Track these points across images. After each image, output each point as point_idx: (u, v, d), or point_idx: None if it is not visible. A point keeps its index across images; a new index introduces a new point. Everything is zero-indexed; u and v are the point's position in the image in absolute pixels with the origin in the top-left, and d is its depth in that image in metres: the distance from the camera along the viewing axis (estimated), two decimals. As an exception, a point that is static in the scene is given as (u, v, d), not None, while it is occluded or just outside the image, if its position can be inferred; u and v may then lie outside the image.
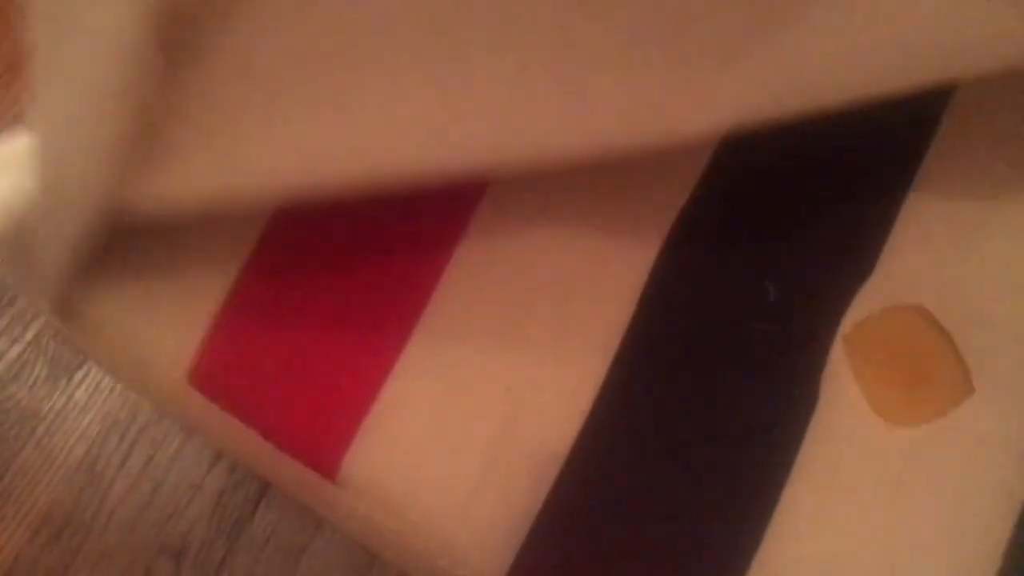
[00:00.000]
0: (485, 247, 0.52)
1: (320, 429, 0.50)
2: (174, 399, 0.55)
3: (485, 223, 0.52)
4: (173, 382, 0.52)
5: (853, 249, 0.50)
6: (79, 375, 0.85)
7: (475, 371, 0.49)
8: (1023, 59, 0.45)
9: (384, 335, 0.50)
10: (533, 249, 0.51)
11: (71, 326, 0.57)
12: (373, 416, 0.49)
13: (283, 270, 0.52)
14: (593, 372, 0.49)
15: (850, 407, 0.47)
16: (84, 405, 0.84)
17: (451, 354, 0.50)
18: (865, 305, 0.49)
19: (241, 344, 0.51)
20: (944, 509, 0.45)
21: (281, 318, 0.51)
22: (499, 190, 0.52)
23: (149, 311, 0.52)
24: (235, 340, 0.51)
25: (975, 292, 0.49)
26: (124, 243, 0.54)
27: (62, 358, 0.86)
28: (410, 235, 0.52)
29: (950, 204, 0.51)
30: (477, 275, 0.51)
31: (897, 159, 0.53)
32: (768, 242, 0.51)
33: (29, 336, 0.87)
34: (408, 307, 0.51)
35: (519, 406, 0.49)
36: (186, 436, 0.84)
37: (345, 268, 0.52)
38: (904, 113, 0.54)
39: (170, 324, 0.52)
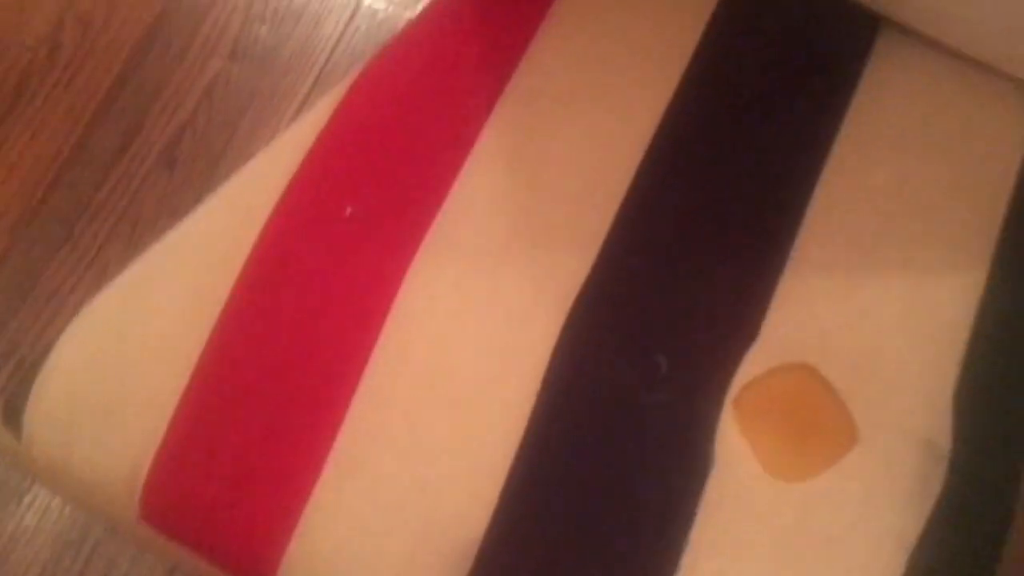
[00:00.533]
0: (394, 358, 0.54)
1: (255, 546, 0.52)
2: (127, 529, 0.57)
3: (392, 339, 0.54)
4: (126, 520, 0.55)
5: (738, 315, 0.53)
6: (27, 499, 0.86)
7: (392, 473, 0.52)
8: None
9: (308, 451, 0.53)
10: (434, 351, 0.54)
11: (21, 462, 0.59)
12: (302, 528, 0.51)
13: (213, 400, 0.54)
14: (502, 460, 0.51)
15: (743, 469, 0.49)
16: (35, 528, 0.85)
17: (370, 460, 0.52)
18: (753, 368, 0.51)
19: (182, 479, 0.54)
20: (838, 560, 0.47)
21: (214, 449, 0.54)
22: (399, 317, 0.55)
23: (96, 454, 0.55)
24: (176, 475, 0.54)
25: (857, 344, 0.51)
26: (67, 386, 0.56)
27: (8, 483, 0.86)
28: (324, 352, 0.55)
29: (829, 262, 0.54)
30: (388, 384, 0.54)
31: (775, 223, 0.55)
32: (657, 316, 0.53)
33: (-25, 464, 0.87)
34: (328, 420, 0.53)
35: (435, 502, 0.51)
36: (139, 551, 0.84)
37: (267, 390, 0.54)
38: (779, 176, 0.57)
39: (117, 464, 0.54)
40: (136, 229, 0.95)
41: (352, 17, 0.95)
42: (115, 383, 0.56)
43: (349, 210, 0.58)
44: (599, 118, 0.60)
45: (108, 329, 0.57)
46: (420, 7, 0.73)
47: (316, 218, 0.58)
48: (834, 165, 0.56)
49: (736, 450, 0.49)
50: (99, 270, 0.93)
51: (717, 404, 0.50)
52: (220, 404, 0.54)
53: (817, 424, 0.50)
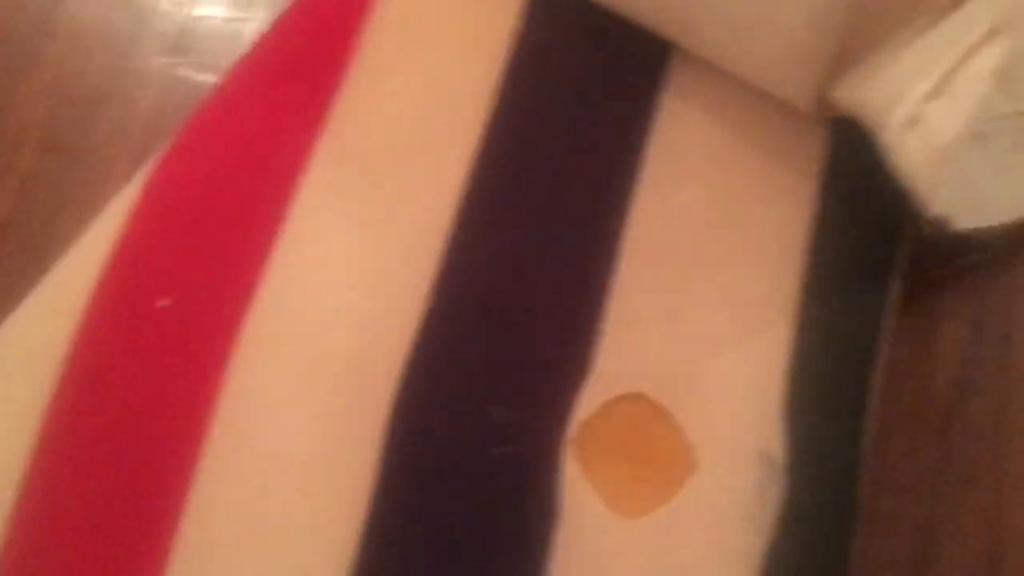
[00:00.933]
0: (226, 449, 0.52)
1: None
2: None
3: (222, 429, 0.53)
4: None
5: (568, 352, 0.52)
6: None
7: (236, 565, 0.50)
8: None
9: (147, 559, 0.50)
10: (268, 436, 0.52)
11: None
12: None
13: (42, 519, 0.52)
14: (347, 541, 0.49)
15: (589, 511, 0.49)
16: None
17: (212, 558, 0.50)
18: (590, 404, 0.51)
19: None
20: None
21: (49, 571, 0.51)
22: (227, 405, 0.53)
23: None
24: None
25: (684, 367, 0.52)
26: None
27: None
28: (152, 454, 0.52)
29: (650, 287, 0.54)
30: (222, 477, 0.52)
31: (594, 253, 0.56)
32: (490, 366, 0.53)
33: None
34: (164, 525, 0.51)
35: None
36: None
37: (96, 503, 0.52)
38: (593, 206, 0.57)
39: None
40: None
41: (166, 89, 0.91)
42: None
43: (164, 302, 0.56)
44: (410, 172, 0.59)
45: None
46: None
47: (128, 312, 0.55)
48: (645, 189, 0.57)
49: (581, 492, 0.49)
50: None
51: (558, 446, 0.50)
52: (49, 523, 0.51)
53: (655, 454, 0.50)
